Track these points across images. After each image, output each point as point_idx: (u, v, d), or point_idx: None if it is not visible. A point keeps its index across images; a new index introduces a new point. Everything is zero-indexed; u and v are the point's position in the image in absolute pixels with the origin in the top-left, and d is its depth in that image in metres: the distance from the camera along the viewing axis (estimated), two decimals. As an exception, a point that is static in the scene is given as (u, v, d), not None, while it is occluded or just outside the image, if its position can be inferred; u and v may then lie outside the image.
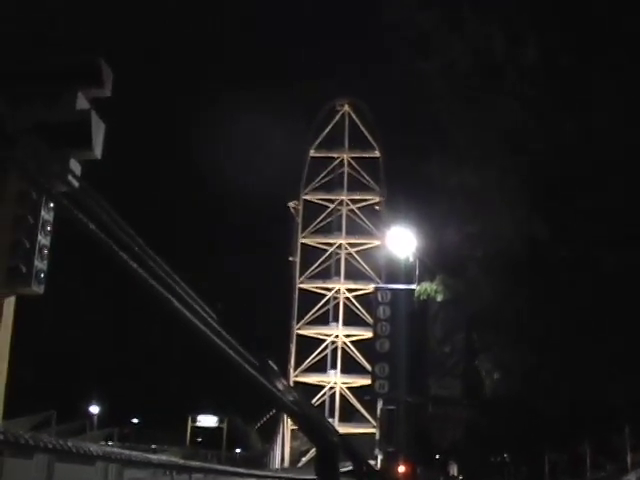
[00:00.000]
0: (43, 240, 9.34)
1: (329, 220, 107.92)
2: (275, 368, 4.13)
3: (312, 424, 4.87)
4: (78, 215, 2.92)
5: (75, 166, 7.18)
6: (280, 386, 4.07)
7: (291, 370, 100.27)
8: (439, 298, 23.67)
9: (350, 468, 6.31)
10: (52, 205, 8.64)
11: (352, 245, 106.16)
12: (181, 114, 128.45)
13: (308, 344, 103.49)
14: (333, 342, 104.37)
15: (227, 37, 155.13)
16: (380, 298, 33.19)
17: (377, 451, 52.35)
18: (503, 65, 15.18)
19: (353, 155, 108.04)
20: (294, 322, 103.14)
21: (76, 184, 3.91)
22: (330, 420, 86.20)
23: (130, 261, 2.70)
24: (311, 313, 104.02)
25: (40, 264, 9.40)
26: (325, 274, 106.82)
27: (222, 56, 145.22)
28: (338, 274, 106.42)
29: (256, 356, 3.66)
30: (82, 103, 7.49)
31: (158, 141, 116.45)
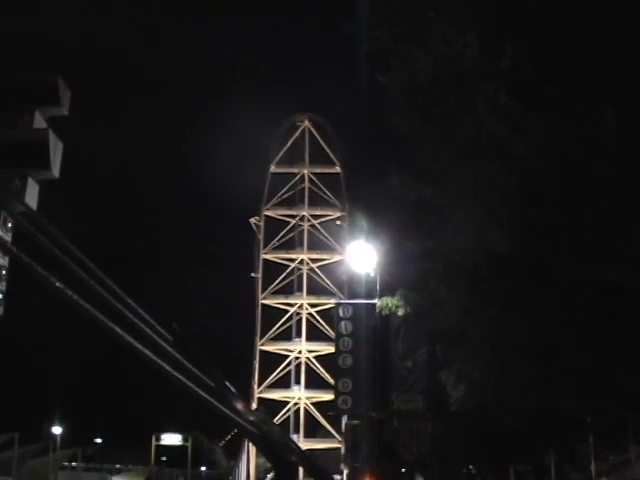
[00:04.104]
0: (1, 260, 9.23)
1: (291, 236, 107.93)
2: (233, 389, 4.10)
3: (271, 444, 4.85)
4: (37, 234, 2.91)
5: (33, 186, 7.12)
6: (239, 407, 4.04)
7: (255, 386, 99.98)
8: (400, 312, 23.70)
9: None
10: (10, 225, 8.57)
11: (314, 260, 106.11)
12: (141, 130, 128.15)
13: (272, 360, 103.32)
14: (297, 358, 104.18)
15: (190, 51, 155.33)
16: (342, 313, 33.21)
17: (343, 466, 52.28)
18: (470, 73, 15.22)
19: (314, 171, 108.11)
20: (257, 338, 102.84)
21: (34, 205, 3.90)
22: (295, 436, 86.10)
23: (65, 289, 2.67)
24: (274, 329, 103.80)
25: (-1, 285, 9.28)
26: (287, 290, 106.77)
27: (189, 71, 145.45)
28: (300, 289, 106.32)
29: (212, 378, 3.64)
30: (39, 122, 7.44)
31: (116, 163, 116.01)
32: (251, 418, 4.36)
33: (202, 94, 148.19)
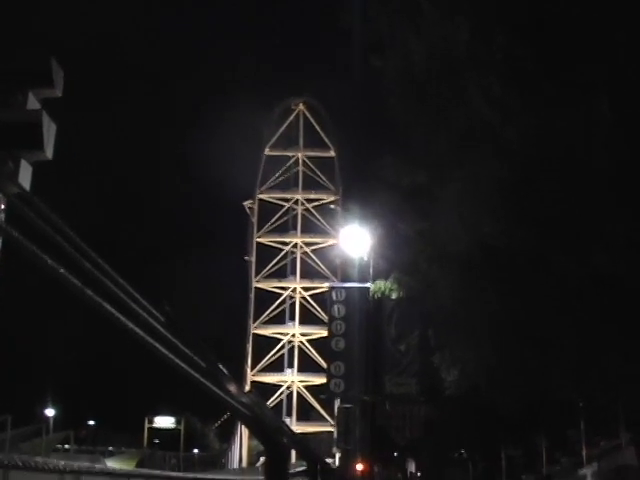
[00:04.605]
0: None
1: (284, 219, 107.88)
2: (225, 371, 4.09)
3: (263, 426, 4.86)
4: (31, 216, 2.90)
5: (26, 168, 7.10)
6: (232, 389, 4.04)
7: (248, 370, 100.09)
8: (394, 296, 23.72)
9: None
10: (3, 207, 8.53)
11: (308, 244, 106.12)
12: (137, 115, 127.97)
13: (265, 343, 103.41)
14: (290, 341, 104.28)
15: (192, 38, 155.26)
16: (335, 297, 33.19)
17: (335, 449, 52.42)
18: (463, 61, 15.19)
19: (308, 154, 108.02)
20: (251, 321, 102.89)
21: (27, 186, 3.88)
22: (287, 419, 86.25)
23: (59, 268, 2.67)
24: (267, 312, 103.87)
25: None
26: (281, 273, 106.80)
27: (186, 58, 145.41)
28: (294, 273, 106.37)
29: (205, 359, 3.63)
30: (33, 103, 7.41)
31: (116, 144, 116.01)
32: (244, 400, 4.36)
33: (199, 82, 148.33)
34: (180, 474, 25.70)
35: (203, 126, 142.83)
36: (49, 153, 7.22)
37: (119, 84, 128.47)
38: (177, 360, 3.27)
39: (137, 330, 2.94)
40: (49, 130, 7.33)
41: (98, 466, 20.39)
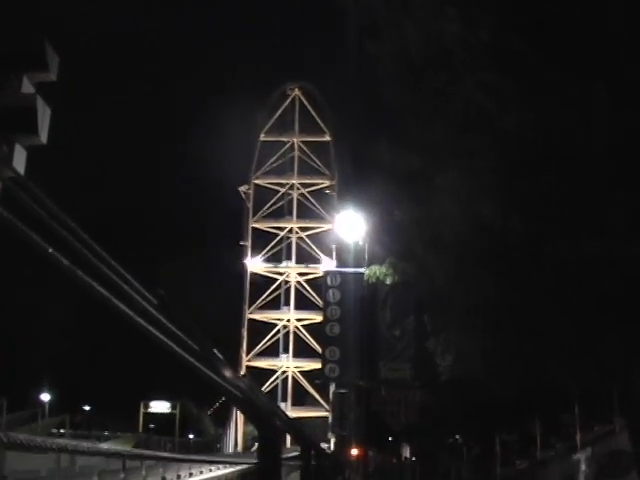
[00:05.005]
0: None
1: (280, 204, 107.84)
2: (220, 356, 4.09)
3: (257, 411, 4.87)
4: (25, 199, 2.90)
5: (21, 152, 7.10)
6: (226, 374, 4.05)
7: (243, 355, 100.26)
8: (388, 281, 23.75)
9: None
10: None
11: (303, 229, 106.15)
12: (133, 98, 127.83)
13: (260, 328, 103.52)
14: (285, 326, 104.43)
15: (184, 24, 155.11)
16: (330, 282, 33.18)
17: (330, 434, 52.55)
18: (454, 48, 15.19)
19: (303, 139, 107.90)
20: (246, 307, 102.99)
21: (21, 170, 3.87)
22: (282, 404, 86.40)
23: (53, 251, 2.66)
24: (263, 298, 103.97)
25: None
26: (276, 258, 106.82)
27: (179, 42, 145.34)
28: (289, 258, 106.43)
29: (199, 343, 3.63)
30: (27, 87, 7.40)
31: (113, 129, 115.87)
32: (238, 384, 4.37)
33: (199, 82, 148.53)
34: (173, 454, 25.82)
35: (202, 125, 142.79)
36: (43, 137, 7.21)
37: (119, 84, 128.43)
38: (170, 343, 3.27)
39: (130, 313, 2.94)
40: (44, 114, 7.32)
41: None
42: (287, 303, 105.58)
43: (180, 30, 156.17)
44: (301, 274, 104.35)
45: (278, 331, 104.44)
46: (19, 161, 5.97)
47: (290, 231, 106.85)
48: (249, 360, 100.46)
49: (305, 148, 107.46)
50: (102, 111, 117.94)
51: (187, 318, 3.43)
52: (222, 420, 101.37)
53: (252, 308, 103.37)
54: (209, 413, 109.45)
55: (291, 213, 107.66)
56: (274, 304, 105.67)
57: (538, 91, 14.24)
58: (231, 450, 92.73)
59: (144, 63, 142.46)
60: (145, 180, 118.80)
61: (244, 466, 22.20)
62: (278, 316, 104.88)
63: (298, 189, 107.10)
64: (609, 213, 14.36)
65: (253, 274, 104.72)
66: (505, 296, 17.80)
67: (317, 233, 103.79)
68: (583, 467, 23.59)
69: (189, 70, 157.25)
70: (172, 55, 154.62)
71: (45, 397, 75.62)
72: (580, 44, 13.81)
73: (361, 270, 29.24)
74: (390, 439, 49.81)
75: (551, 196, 14.94)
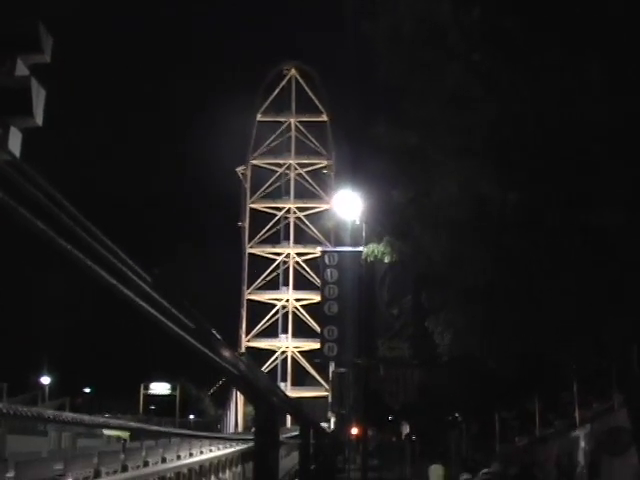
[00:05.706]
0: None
1: (277, 185, 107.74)
2: (218, 336, 4.10)
3: (257, 390, 4.88)
4: (20, 181, 2.90)
5: (16, 134, 7.08)
6: (225, 354, 4.06)
7: (243, 335, 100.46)
8: (386, 260, 23.67)
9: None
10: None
11: (301, 209, 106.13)
12: (130, 83, 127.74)
13: (259, 309, 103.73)
14: (284, 306, 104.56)
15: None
16: (327, 261, 33.12)
17: (330, 414, 52.78)
18: (447, 27, 15.15)
19: (300, 119, 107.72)
20: (245, 287, 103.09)
21: (17, 153, 3.87)
22: (282, 384, 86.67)
23: (50, 232, 2.66)
24: (261, 278, 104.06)
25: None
26: (274, 239, 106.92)
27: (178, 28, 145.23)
28: (287, 238, 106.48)
29: (198, 324, 3.64)
30: (21, 69, 7.39)
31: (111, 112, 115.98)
32: (237, 363, 4.38)
33: (199, 82, 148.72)
34: (175, 429, 25.96)
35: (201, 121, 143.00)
36: (39, 119, 7.19)
37: (119, 84, 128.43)
38: (169, 323, 3.28)
39: (128, 293, 2.95)
40: (38, 96, 7.30)
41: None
42: (286, 283, 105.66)
43: (180, 30, 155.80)
44: (299, 254, 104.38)
45: (277, 311, 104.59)
46: (14, 143, 5.97)
47: (288, 211, 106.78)
48: (248, 341, 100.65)
49: (302, 128, 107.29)
50: (101, 111, 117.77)
51: (182, 295, 3.44)
52: (222, 401, 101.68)
53: (251, 289, 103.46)
54: (209, 394, 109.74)
55: (289, 193, 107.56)
56: (272, 284, 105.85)
57: (530, 77, 14.21)
58: (232, 430, 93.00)
59: (144, 63, 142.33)
60: (143, 166, 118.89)
61: (244, 446, 22.30)
62: (277, 296, 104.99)
63: (295, 169, 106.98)
64: (615, 184, 14.33)
65: (251, 254, 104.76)
66: (503, 274, 17.79)
67: (315, 213, 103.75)
68: (582, 444, 23.65)
69: (189, 69, 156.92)
70: (172, 55, 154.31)
71: (45, 380, 75.72)
72: (577, 25, 13.76)
73: (359, 249, 29.19)
74: (390, 418, 49.97)
75: (552, 167, 14.91)
